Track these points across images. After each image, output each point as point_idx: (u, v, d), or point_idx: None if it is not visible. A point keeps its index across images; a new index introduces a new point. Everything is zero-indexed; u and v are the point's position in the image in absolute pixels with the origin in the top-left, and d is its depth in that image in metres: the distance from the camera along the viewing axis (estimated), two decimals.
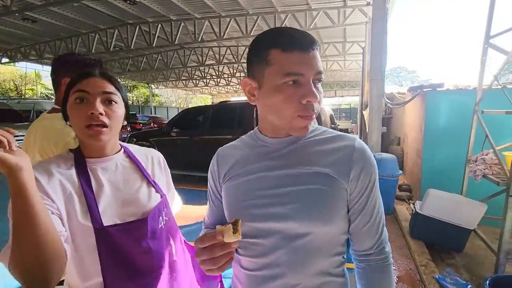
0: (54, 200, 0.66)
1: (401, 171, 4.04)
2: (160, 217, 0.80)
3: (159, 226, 0.79)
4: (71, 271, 0.72)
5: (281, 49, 0.57)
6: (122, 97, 0.79)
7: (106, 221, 0.70)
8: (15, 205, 0.52)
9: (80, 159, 0.75)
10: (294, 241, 0.62)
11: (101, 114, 0.71)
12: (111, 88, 0.76)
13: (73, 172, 0.73)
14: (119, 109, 0.77)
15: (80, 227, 0.68)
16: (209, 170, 0.76)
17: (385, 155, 4.04)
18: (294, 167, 0.63)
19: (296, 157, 0.64)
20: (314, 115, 0.60)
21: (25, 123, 8.72)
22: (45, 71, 20.53)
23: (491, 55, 2.76)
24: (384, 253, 0.67)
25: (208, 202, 0.79)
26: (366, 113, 5.18)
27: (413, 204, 3.19)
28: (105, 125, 0.72)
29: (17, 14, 7.45)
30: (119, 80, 0.81)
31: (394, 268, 2.62)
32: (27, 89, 20.96)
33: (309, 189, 0.61)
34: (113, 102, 0.75)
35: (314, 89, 0.58)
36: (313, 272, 0.63)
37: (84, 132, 0.72)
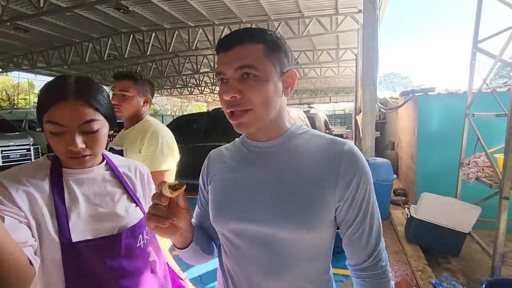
0: (22, 209, 0.61)
1: (395, 176, 4.04)
2: (140, 236, 0.75)
3: (137, 245, 0.74)
4: (35, 286, 0.66)
5: (217, 54, 0.61)
6: (102, 113, 0.70)
7: (76, 237, 0.65)
8: None
9: (57, 169, 0.70)
10: (274, 247, 0.60)
11: (81, 149, 0.66)
12: (89, 113, 0.66)
13: (46, 182, 0.67)
14: (102, 132, 0.70)
15: (48, 241, 0.63)
16: (201, 170, 0.76)
17: (379, 159, 4.05)
18: (276, 172, 0.62)
19: (279, 162, 0.62)
20: (244, 111, 0.58)
21: (17, 133, 8.61)
22: (38, 80, 20.41)
23: (480, 59, 2.80)
24: (381, 268, 0.62)
25: (197, 203, 0.78)
26: (359, 118, 5.22)
27: (408, 208, 3.18)
28: (88, 155, 0.69)
29: (8, 24, 7.41)
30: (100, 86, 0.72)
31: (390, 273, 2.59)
32: (20, 99, 20.73)
33: (291, 195, 0.59)
34: (94, 129, 0.67)
35: (228, 85, 0.58)
36: (295, 280, 0.61)
37: (66, 159, 0.68)
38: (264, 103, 0.58)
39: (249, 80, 0.57)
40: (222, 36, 0.61)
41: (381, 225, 0.64)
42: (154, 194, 0.57)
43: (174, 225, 0.59)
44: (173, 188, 0.55)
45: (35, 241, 0.61)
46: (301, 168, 0.60)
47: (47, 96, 0.65)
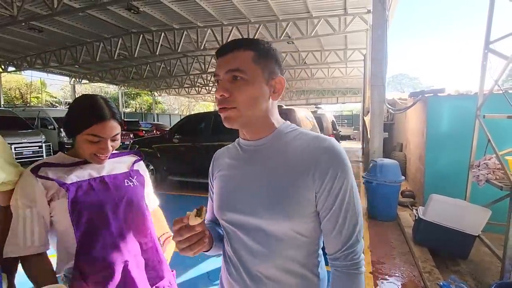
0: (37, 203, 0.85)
1: (403, 177, 4.01)
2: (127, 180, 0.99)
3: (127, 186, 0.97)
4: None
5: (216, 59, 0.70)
6: (120, 123, 0.96)
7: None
8: None
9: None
10: (261, 234, 0.67)
11: (109, 151, 0.92)
12: (117, 128, 0.93)
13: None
14: (119, 138, 0.96)
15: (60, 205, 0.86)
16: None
17: (386, 160, 4.03)
18: (264, 167, 0.69)
19: (268, 159, 0.69)
20: (230, 108, 0.65)
21: (29, 130, 8.83)
22: (50, 79, 20.86)
23: (492, 60, 2.77)
24: (352, 259, 0.65)
25: (208, 197, 0.87)
26: (367, 119, 5.19)
27: (416, 210, 3.16)
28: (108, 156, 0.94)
29: (23, 24, 7.61)
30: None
31: (397, 274, 2.58)
32: (33, 97, 21.20)
33: (274, 188, 0.65)
34: (118, 139, 0.95)
35: (220, 85, 0.66)
36: (283, 263, 0.67)
37: (90, 157, 0.92)
38: (247, 103, 0.65)
39: (237, 82, 0.65)
40: (222, 45, 0.69)
41: (360, 219, 0.67)
42: (181, 231, 0.64)
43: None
44: (197, 214, 0.63)
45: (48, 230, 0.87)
46: (286, 163, 0.67)
47: (89, 117, 0.87)
